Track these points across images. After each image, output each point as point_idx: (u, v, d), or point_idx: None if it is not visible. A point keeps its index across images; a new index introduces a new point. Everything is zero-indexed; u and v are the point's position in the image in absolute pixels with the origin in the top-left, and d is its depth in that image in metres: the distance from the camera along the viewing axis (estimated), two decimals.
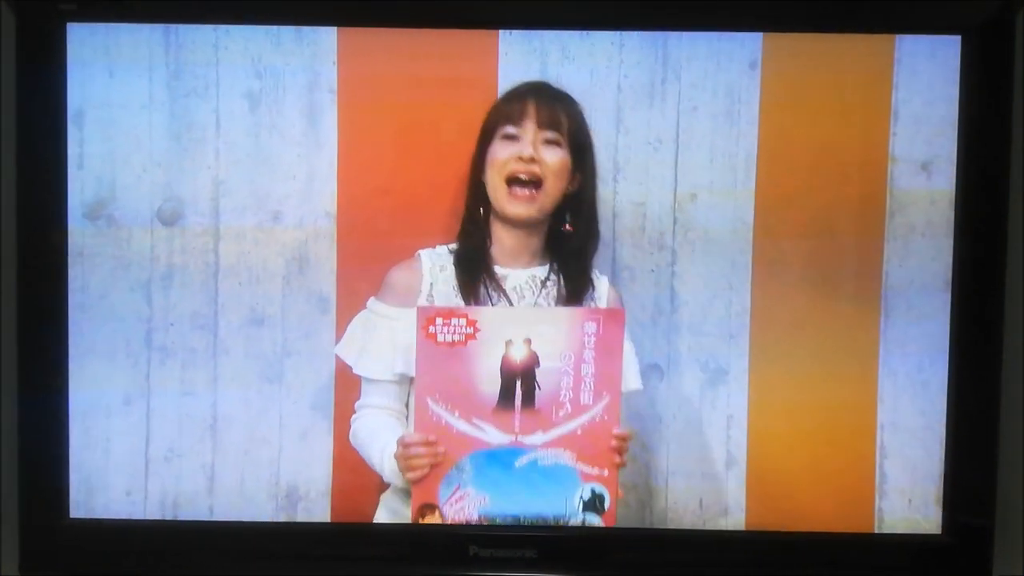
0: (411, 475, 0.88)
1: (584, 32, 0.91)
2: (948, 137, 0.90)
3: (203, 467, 0.94)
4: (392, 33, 0.91)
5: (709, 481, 0.95)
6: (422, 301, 0.90)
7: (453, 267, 0.92)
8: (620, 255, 0.94)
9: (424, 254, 0.92)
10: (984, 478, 0.93)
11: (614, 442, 0.88)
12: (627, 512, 0.94)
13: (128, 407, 0.93)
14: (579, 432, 0.88)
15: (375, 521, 0.94)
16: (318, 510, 0.94)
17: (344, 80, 0.91)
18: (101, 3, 0.90)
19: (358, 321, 0.92)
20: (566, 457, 0.88)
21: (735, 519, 0.94)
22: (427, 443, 0.87)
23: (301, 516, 0.94)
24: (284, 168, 0.92)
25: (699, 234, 0.93)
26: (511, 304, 0.91)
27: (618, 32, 0.91)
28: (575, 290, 0.92)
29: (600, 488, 0.88)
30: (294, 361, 0.93)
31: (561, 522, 0.89)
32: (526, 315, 0.90)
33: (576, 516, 0.89)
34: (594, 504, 0.89)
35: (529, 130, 0.90)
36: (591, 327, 0.87)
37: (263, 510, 0.94)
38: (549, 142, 0.90)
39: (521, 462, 0.88)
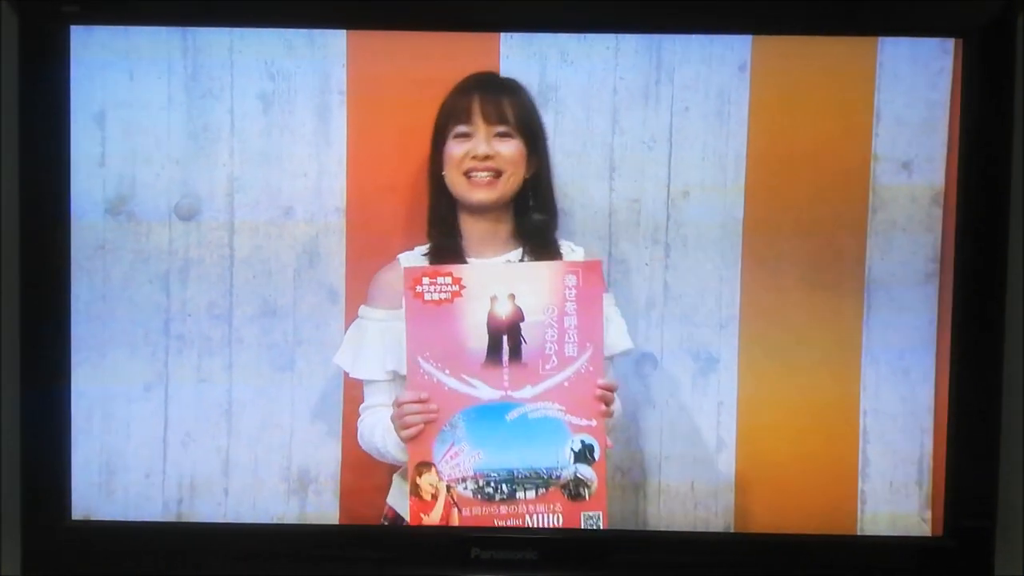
0: (405, 433, 0.88)
1: (581, 36, 0.94)
2: (928, 136, 0.93)
3: (218, 450, 0.97)
4: (399, 37, 0.94)
5: (700, 464, 0.98)
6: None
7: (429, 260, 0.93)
8: (616, 249, 0.97)
9: (402, 257, 0.94)
10: (985, 480, 0.94)
11: (599, 392, 0.89)
12: (622, 494, 0.98)
13: (147, 393, 0.96)
14: (566, 384, 0.88)
15: (388, 500, 0.96)
16: (328, 492, 0.98)
17: (353, 82, 0.95)
18: (104, 5, 0.92)
19: (352, 329, 0.94)
20: (555, 409, 0.88)
21: (725, 500, 0.98)
22: (420, 400, 0.88)
23: (312, 497, 0.98)
24: (295, 166, 0.95)
25: (691, 229, 0.96)
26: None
27: (614, 36, 0.94)
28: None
29: (589, 439, 0.89)
30: (305, 350, 0.97)
31: (554, 473, 0.89)
32: (509, 271, 0.91)
33: (568, 467, 0.89)
34: (585, 455, 0.89)
35: (480, 127, 0.91)
36: (571, 280, 0.88)
37: (276, 491, 0.98)
38: (501, 135, 0.92)
39: (512, 416, 0.88)
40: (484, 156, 0.91)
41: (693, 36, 0.94)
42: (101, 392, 0.96)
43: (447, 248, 0.93)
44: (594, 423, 0.88)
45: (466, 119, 0.91)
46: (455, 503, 0.89)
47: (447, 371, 0.88)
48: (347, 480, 0.98)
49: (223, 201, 0.95)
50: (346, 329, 0.96)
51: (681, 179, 0.96)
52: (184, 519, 0.97)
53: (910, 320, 0.95)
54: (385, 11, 0.93)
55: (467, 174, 0.92)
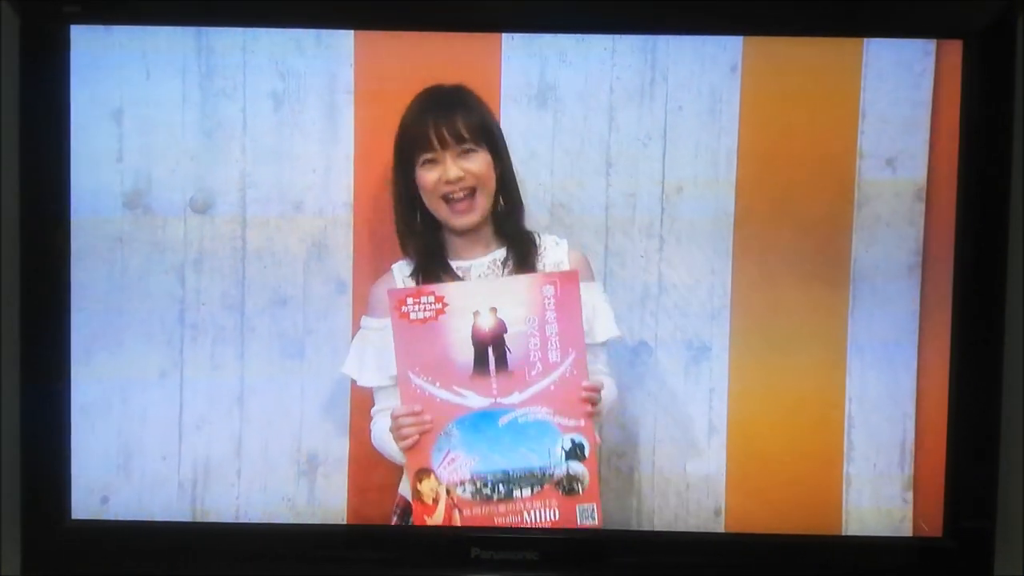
0: (403, 444, 0.92)
1: (580, 37, 0.97)
2: (911, 134, 0.97)
3: (231, 435, 1.01)
4: (404, 37, 0.97)
5: (693, 448, 1.01)
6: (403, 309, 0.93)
7: (416, 278, 0.96)
8: (612, 243, 1.00)
9: (395, 267, 0.98)
10: (985, 482, 0.96)
11: (584, 393, 0.92)
12: (617, 477, 1.02)
13: (163, 380, 1.00)
14: (552, 388, 0.91)
15: (400, 490, 0.99)
16: (337, 475, 1.01)
17: (360, 81, 0.98)
18: (105, 5, 0.95)
19: (356, 340, 0.98)
20: (544, 412, 0.91)
21: (716, 484, 1.01)
22: (413, 413, 0.91)
23: (320, 480, 1.01)
24: (305, 162, 0.99)
25: (684, 223, 0.99)
26: None
27: (610, 38, 0.97)
28: (523, 254, 0.97)
29: (579, 437, 0.92)
30: (314, 339, 1.00)
31: (547, 471, 0.92)
32: (489, 286, 0.94)
33: (560, 465, 0.92)
34: (575, 452, 0.92)
35: (444, 151, 0.94)
36: (549, 290, 0.91)
37: (286, 475, 1.01)
38: (466, 152, 0.94)
39: (503, 421, 0.92)
40: (457, 179, 0.94)
41: (687, 38, 0.97)
42: (119, 379, 0.99)
43: (432, 259, 0.96)
44: (582, 422, 0.92)
45: (428, 145, 0.93)
46: (455, 505, 0.92)
47: (437, 384, 0.91)
48: (355, 463, 1.01)
49: (236, 196, 0.99)
50: (353, 319, 0.99)
51: (675, 175, 0.99)
52: (198, 501, 1.01)
53: (893, 311, 0.98)
54: (391, 12, 0.96)
55: (444, 198, 0.94)
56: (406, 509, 0.98)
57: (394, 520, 1.00)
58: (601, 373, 0.96)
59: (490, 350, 0.91)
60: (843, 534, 1.00)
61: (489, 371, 0.91)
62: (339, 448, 1.02)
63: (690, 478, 1.02)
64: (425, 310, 0.91)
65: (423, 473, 0.92)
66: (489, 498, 0.92)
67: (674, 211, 1.00)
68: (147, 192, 0.98)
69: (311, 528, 1.01)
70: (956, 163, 0.96)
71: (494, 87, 0.98)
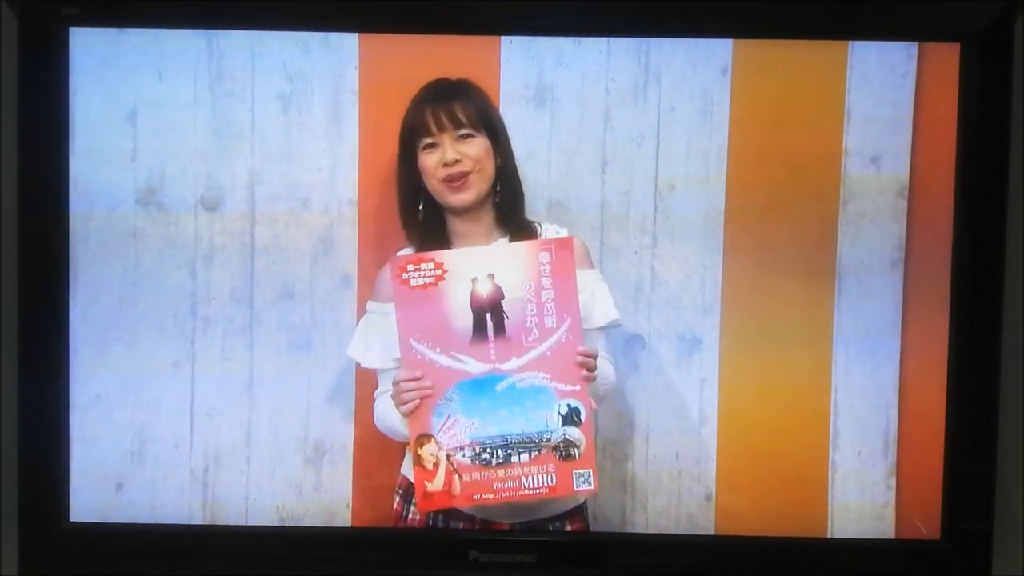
0: (404, 408, 0.93)
1: (576, 40, 1.01)
2: (894, 134, 1.00)
3: (240, 423, 1.04)
4: (407, 41, 1.01)
5: (685, 436, 1.05)
6: None
7: None
8: (607, 238, 1.04)
9: (400, 255, 0.97)
10: (983, 484, 0.97)
11: (580, 358, 0.92)
12: (613, 463, 1.05)
13: (176, 370, 1.03)
14: (548, 354, 0.92)
15: (402, 470, 1.02)
16: (342, 461, 1.05)
17: (365, 83, 1.01)
18: (103, 7, 0.97)
19: (361, 323, 1.00)
20: (540, 378, 0.92)
21: (707, 469, 1.05)
22: (414, 378, 0.92)
23: (327, 467, 1.05)
24: (312, 160, 1.02)
25: (677, 220, 1.03)
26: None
27: (606, 41, 1.01)
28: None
29: (575, 402, 0.92)
30: (320, 331, 1.04)
31: (544, 436, 0.92)
32: (487, 253, 0.95)
33: (557, 430, 0.92)
34: (571, 417, 0.92)
35: (443, 134, 0.96)
36: (544, 256, 0.92)
37: (293, 461, 1.05)
38: (464, 137, 0.96)
39: (501, 387, 0.92)
40: (453, 161, 0.96)
41: (679, 42, 1.00)
42: (133, 370, 1.03)
43: (435, 247, 0.97)
44: (578, 387, 0.92)
45: (427, 131, 0.96)
46: (455, 470, 0.93)
47: (437, 350, 0.92)
48: (360, 450, 1.05)
49: (245, 193, 1.02)
50: (358, 312, 1.02)
51: (667, 173, 1.02)
52: (209, 487, 1.04)
53: (877, 304, 1.02)
54: (394, 15, 0.99)
55: (444, 181, 0.97)
56: (408, 489, 1.01)
57: (396, 500, 1.03)
58: (601, 358, 0.97)
59: (488, 316, 0.92)
60: (835, 534, 1.03)
61: (488, 337, 0.92)
62: (344, 435, 1.05)
63: (682, 464, 1.05)
64: (425, 276, 0.92)
65: (423, 438, 0.93)
66: (488, 463, 0.93)
67: (667, 208, 1.03)
68: (160, 190, 1.02)
69: (310, 529, 1.04)
70: (938, 161, 0.99)
71: (493, 88, 1.01)
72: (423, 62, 1.01)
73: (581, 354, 0.92)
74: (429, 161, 0.97)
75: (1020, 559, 1.01)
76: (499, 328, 0.92)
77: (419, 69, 1.00)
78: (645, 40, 1.01)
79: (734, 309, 1.03)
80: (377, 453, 1.04)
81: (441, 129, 0.96)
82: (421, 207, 0.99)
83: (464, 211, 0.98)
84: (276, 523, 1.04)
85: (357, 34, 1.01)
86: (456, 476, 0.93)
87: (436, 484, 0.93)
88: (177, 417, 1.04)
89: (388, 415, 0.97)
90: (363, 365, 1.00)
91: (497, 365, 0.92)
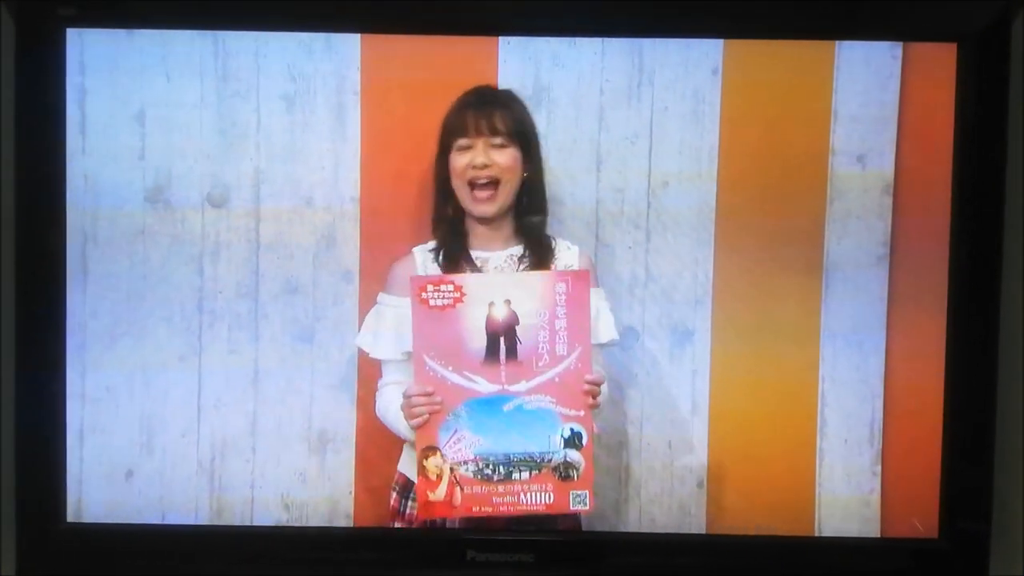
0: (413, 422, 0.96)
1: (572, 41, 1.03)
2: (880, 132, 1.03)
3: (246, 414, 1.07)
4: (407, 43, 1.03)
5: (677, 426, 1.08)
6: None
7: (438, 262, 1.02)
8: (602, 234, 1.06)
9: (417, 250, 1.03)
10: (980, 483, 0.98)
11: (587, 386, 0.96)
12: (608, 452, 1.08)
13: (183, 363, 1.06)
14: (556, 379, 0.95)
15: (399, 467, 1.05)
16: (345, 451, 1.08)
17: (366, 83, 1.04)
18: (100, 8, 0.98)
19: (371, 314, 1.03)
20: (547, 401, 0.95)
21: (699, 458, 1.08)
22: (425, 394, 0.95)
23: (330, 456, 1.08)
24: (315, 159, 1.04)
25: (669, 216, 1.05)
26: None
27: (600, 42, 1.03)
28: (540, 259, 1.02)
29: (578, 427, 0.96)
30: (323, 325, 1.06)
31: (546, 457, 0.96)
32: (505, 279, 0.99)
33: (558, 452, 0.96)
34: (574, 441, 0.96)
35: (477, 138, 0.99)
36: (561, 287, 0.95)
37: (297, 451, 1.07)
38: (497, 145, 1.00)
39: (508, 407, 0.96)
40: (483, 165, 0.99)
41: (672, 44, 1.03)
42: (142, 362, 1.05)
43: (454, 246, 1.02)
44: (582, 413, 0.96)
45: (465, 132, 0.99)
46: (457, 483, 0.96)
47: (450, 368, 0.95)
48: (362, 440, 1.08)
49: (250, 191, 1.04)
50: (360, 306, 1.05)
51: (660, 171, 1.05)
52: (216, 475, 1.07)
53: (863, 298, 1.05)
54: (395, 16, 1.01)
55: (470, 183, 1.00)
56: (405, 485, 1.04)
57: (393, 496, 1.05)
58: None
59: (502, 339, 0.95)
60: (823, 520, 1.06)
61: (499, 359, 0.95)
62: (347, 426, 1.08)
63: (674, 453, 1.08)
64: (444, 298, 0.95)
65: (430, 451, 0.96)
66: (489, 478, 0.96)
67: (660, 205, 1.05)
68: (167, 188, 1.04)
69: (308, 530, 1.06)
70: (923, 159, 1.02)
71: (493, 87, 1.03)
72: (423, 64, 1.03)
73: (588, 382, 0.95)
74: (460, 162, 1.00)
75: (1019, 557, 1.03)
76: (511, 352, 0.95)
77: (419, 71, 1.03)
78: (638, 42, 1.03)
79: (725, 303, 1.06)
80: (379, 442, 1.07)
81: (478, 134, 0.99)
82: (451, 207, 1.02)
83: (485, 221, 1.02)
84: (281, 509, 1.07)
85: (359, 37, 1.03)
86: (458, 488, 0.96)
87: (438, 495, 0.96)
88: (185, 408, 1.06)
89: (391, 411, 1.00)
90: (372, 356, 1.02)
91: (506, 386, 0.96)
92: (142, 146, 1.03)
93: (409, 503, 1.04)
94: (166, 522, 1.06)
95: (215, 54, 1.03)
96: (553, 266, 1.02)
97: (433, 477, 0.96)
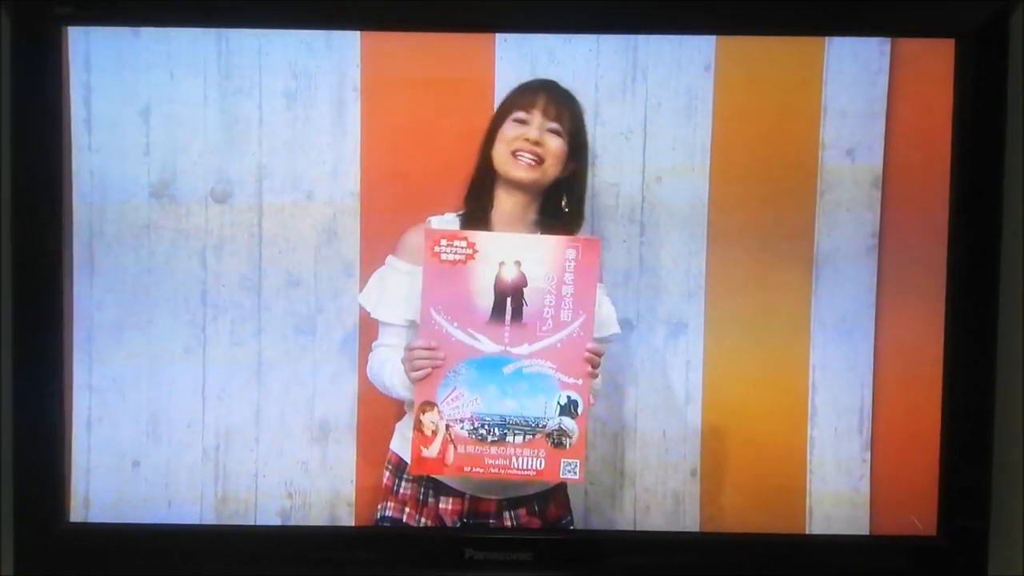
0: (414, 375, 0.96)
1: (567, 39, 1.05)
2: (869, 126, 1.05)
3: (250, 404, 1.09)
4: (406, 41, 1.05)
5: (671, 415, 1.10)
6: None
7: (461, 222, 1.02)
8: (597, 228, 1.08)
9: (434, 220, 1.03)
10: (979, 480, 0.98)
11: (587, 355, 0.96)
12: (603, 440, 1.10)
13: (188, 355, 1.08)
14: (559, 345, 0.95)
15: (391, 446, 1.07)
16: (346, 441, 1.10)
17: (366, 80, 1.06)
18: (97, 7, 0.99)
19: (377, 275, 1.04)
20: (547, 366, 0.95)
21: (693, 446, 1.10)
22: (429, 347, 0.95)
23: (332, 445, 1.10)
24: (316, 154, 1.06)
25: (663, 210, 1.07)
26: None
27: (595, 39, 1.05)
28: None
29: (575, 395, 0.96)
30: (325, 317, 1.08)
31: (541, 423, 0.96)
32: (518, 240, 0.98)
33: (554, 418, 0.96)
34: (569, 409, 0.96)
35: (536, 117, 1.00)
36: (571, 253, 0.95)
37: (300, 440, 1.09)
38: (552, 131, 1.01)
39: (508, 369, 0.95)
40: (535, 141, 1.00)
41: (665, 41, 1.04)
42: (147, 354, 1.07)
43: (477, 218, 1.02)
44: (580, 381, 0.96)
45: (528, 108, 1.00)
46: (452, 441, 0.96)
47: (455, 324, 0.95)
48: (363, 428, 1.10)
49: (253, 186, 1.06)
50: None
51: (654, 165, 1.07)
52: (220, 465, 1.09)
53: (853, 288, 1.06)
54: (393, 14, 1.02)
55: (514, 153, 1.00)
56: (398, 465, 1.05)
57: (386, 475, 1.07)
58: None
59: (508, 300, 0.95)
60: (814, 504, 1.08)
61: (504, 320, 0.95)
62: (348, 416, 1.10)
63: (669, 442, 1.10)
64: (456, 252, 0.95)
65: (427, 405, 0.96)
66: (484, 439, 0.96)
67: (654, 199, 1.07)
68: (172, 183, 1.06)
69: (307, 529, 1.07)
70: (911, 152, 1.04)
71: (488, 85, 1.05)
72: (421, 61, 1.05)
73: (590, 351, 0.96)
74: (511, 131, 1.01)
75: (1018, 555, 1.03)
76: (517, 313, 0.95)
77: (417, 68, 1.05)
78: (632, 39, 1.05)
79: (718, 294, 1.08)
80: (379, 432, 1.09)
81: (536, 110, 1.00)
82: (489, 180, 1.02)
83: (517, 188, 1.02)
84: (284, 498, 1.09)
85: (359, 35, 1.05)
86: (452, 446, 0.96)
87: (431, 451, 0.96)
88: (189, 399, 1.08)
89: (384, 369, 1.01)
90: (372, 315, 1.03)
91: (508, 348, 0.96)
92: (147, 142, 1.05)
93: (402, 482, 1.05)
94: (171, 510, 1.08)
95: (218, 52, 1.05)
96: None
97: (428, 433, 0.96)
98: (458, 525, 1.04)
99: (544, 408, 0.96)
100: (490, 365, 0.96)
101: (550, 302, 0.95)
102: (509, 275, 0.95)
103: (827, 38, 1.04)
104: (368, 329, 1.07)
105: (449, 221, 1.04)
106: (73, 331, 1.06)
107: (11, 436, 1.01)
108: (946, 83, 1.02)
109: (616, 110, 1.06)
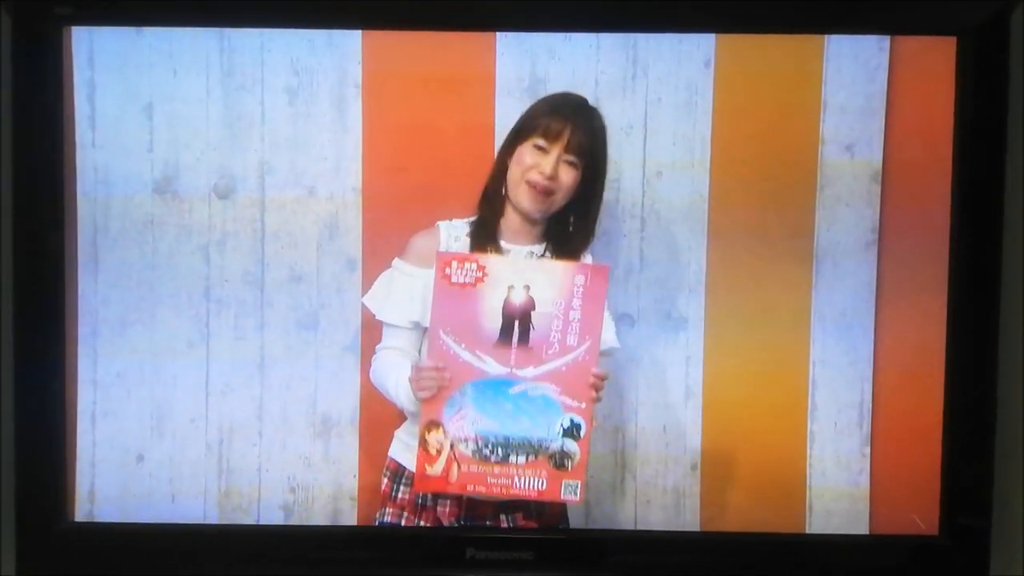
0: (421, 394, 0.97)
1: (567, 35, 1.06)
2: (868, 122, 1.05)
3: (253, 399, 1.10)
4: (407, 37, 1.05)
5: (671, 410, 1.10)
6: None
7: (467, 238, 1.03)
8: (599, 224, 1.07)
9: (442, 225, 1.03)
10: (980, 479, 0.98)
11: (592, 379, 0.97)
12: (604, 436, 1.10)
13: (191, 349, 1.08)
14: (564, 369, 0.96)
15: (390, 453, 1.07)
16: (348, 435, 1.10)
17: (367, 77, 1.06)
18: (98, 7, 1.00)
19: (384, 277, 1.04)
20: (551, 390, 0.97)
21: (692, 441, 1.10)
22: (437, 368, 0.96)
23: (334, 440, 1.10)
24: (318, 150, 1.07)
25: (664, 205, 1.08)
26: None
27: (595, 36, 1.05)
28: (557, 255, 1.03)
29: (578, 418, 0.97)
30: (327, 312, 1.09)
31: (543, 444, 0.97)
32: (527, 265, 1.00)
33: (556, 440, 0.97)
34: (572, 432, 0.97)
35: (556, 149, 1.00)
36: (580, 279, 0.96)
37: (303, 435, 1.10)
38: (569, 163, 1.00)
39: (514, 391, 0.97)
40: (549, 176, 0.99)
41: (665, 37, 1.05)
42: (151, 349, 1.08)
43: (487, 226, 1.03)
44: (584, 405, 0.97)
45: (551, 137, 0.99)
46: (456, 459, 0.98)
47: (463, 345, 0.96)
48: (365, 424, 1.10)
49: (255, 181, 1.07)
50: (363, 294, 1.06)
51: (655, 161, 1.07)
52: (224, 459, 1.10)
53: (852, 283, 1.07)
54: (394, 14, 1.03)
55: (528, 183, 1.00)
56: (396, 471, 1.06)
57: (384, 481, 1.07)
58: None
59: (516, 323, 0.96)
60: (814, 499, 1.08)
61: (511, 342, 0.96)
62: (350, 411, 1.10)
63: (669, 437, 1.11)
64: (467, 275, 0.96)
65: (432, 425, 0.98)
66: (487, 458, 0.98)
67: (654, 194, 1.08)
68: (175, 179, 1.06)
69: (308, 529, 1.08)
70: (910, 147, 1.05)
71: (489, 81, 1.06)
72: (422, 58, 1.05)
73: (594, 375, 0.97)
74: (528, 159, 1.00)
75: (1019, 554, 1.03)
76: (524, 337, 0.97)
77: (418, 64, 1.05)
78: (632, 35, 1.05)
79: (718, 289, 1.08)
80: (382, 427, 1.09)
81: (557, 142, 0.99)
82: (503, 192, 1.03)
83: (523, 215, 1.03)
84: (287, 492, 1.10)
85: (360, 32, 1.05)
86: (456, 464, 0.98)
87: (436, 469, 0.98)
88: (193, 394, 1.09)
89: (390, 377, 1.02)
90: (378, 317, 1.04)
91: (514, 370, 0.97)
92: (150, 139, 1.06)
93: (400, 488, 1.06)
94: (175, 504, 1.09)
95: (220, 49, 1.05)
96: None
97: (433, 452, 0.98)
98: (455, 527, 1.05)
99: (547, 430, 0.98)
100: (496, 386, 0.97)
101: (557, 326, 0.96)
102: (518, 299, 0.96)
103: (826, 36, 1.04)
104: (371, 324, 1.07)
105: (458, 226, 1.04)
106: (77, 327, 1.07)
107: (13, 435, 1.02)
108: (946, 78, 1.03)
109: (616, 106, 1.06)
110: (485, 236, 1.03)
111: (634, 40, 1.06)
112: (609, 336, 1.03)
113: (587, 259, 1.05)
